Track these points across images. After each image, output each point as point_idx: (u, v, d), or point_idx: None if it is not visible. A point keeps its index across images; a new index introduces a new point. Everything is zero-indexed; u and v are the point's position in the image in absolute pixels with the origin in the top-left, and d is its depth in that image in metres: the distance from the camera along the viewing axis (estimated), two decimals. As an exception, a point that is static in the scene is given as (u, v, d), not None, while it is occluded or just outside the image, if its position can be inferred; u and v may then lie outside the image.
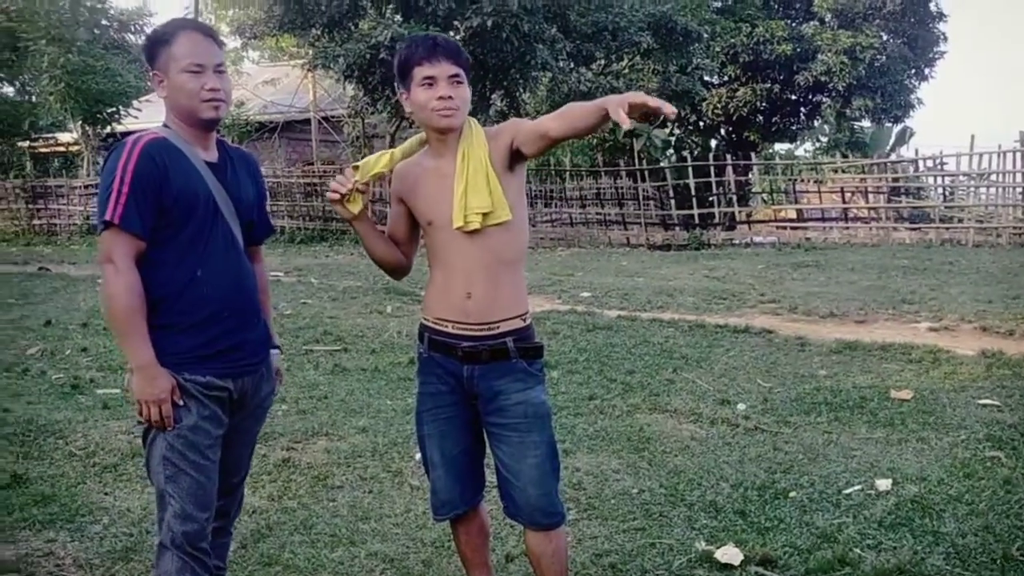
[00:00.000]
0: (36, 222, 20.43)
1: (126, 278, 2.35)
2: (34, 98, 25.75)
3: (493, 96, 17.38)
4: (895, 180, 18.04)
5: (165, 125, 2.52)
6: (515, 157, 2.57)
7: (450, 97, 2.52)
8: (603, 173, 20.21)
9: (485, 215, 2.51)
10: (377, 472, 4.35)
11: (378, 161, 2.65)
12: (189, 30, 2.51)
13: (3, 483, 4.10)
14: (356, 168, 2.65)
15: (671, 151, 24.61)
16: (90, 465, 4.41)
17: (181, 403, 2.41)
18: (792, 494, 3.96)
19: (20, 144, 24.62)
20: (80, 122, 21.15)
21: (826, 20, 23.40)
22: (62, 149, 25.27)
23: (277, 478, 4.27)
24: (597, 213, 18.80)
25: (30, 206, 20.60)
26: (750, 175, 19.58)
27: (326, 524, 3.74)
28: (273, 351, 2.72)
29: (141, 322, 2.37)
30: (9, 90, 26.59)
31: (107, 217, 2.33)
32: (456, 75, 2.53)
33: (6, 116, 23.62)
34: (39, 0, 23.01)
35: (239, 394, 2.53)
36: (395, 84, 2.79)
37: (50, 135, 25.16)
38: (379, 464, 4.45)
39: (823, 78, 21.97)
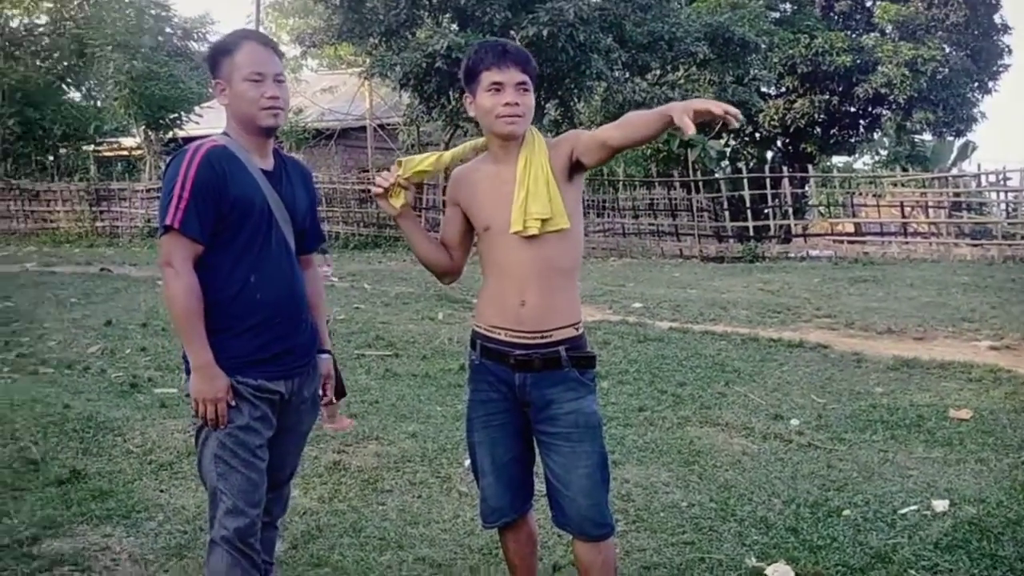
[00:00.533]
0: (99, 224, 20.88)
1: (185, 280, 2.43)
2: (99, 103, 26.49)
3: (547, 105, 17.39)
4: (956, 195, 17.65)
5: (225, 133, 2.60)
6: (575, 167, 2.58)
7: (516, 104, 2.54)
8: (656, 183, 20.10)
9: (544, 221, 2.52)
10: (426, 477, 4.37)
11: (424, 160, 2.68)
12: (251, 41, 2.60)
13: (63, 478, 4.21)
14: (400, 164, 2.68)
15: (726, 162, 24.41)
16: (147, 462, 4.50)
17: (234, 404, 2.48)
18: (846, 512, 3.89)
19: (85, 148, 25.24)
20: (143, 127, 21.64)
21: (887, 32, 23.05)
22: (125, 153, 25.87)
23: (328, 480, 4.31)
24: (650, 224, 18.68)
25: (93, 208, 21.07)
26: (807, 188, 19.32)
27: (375, 528, 3.77)
28: (323, 356, 2.78)
29: (199, 323, 2.45)
30: (76, 95, 27.36)
31: (167, 221, 2.42)
32: (523, 83, 2.55)
33: (73, 120, 24.25)
34: (106, 8, 23.67)
35: (288, 395, 2.60)
36: (459, 87, 2.84)
37: (114, 139, 25.78)
38: (428, 469, 4.47)
39: (883, 90, 21.63)
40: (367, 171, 21.47)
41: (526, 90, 2.56)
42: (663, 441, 4.95)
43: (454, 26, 16.50)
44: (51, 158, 24.84)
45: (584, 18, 14.96)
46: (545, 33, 14.84)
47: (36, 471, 4.31)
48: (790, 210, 17.98)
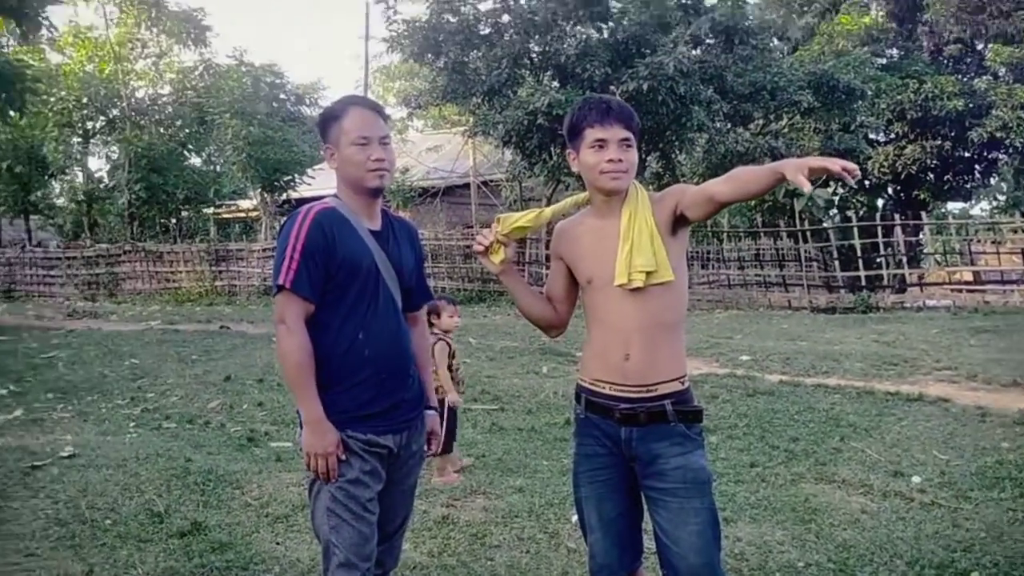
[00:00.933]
0: (218, 283, 21.74)
1: (297, 338, 2.54)
2: (218, 168, 27.80)
3: (649, 158, 17.42)
4: (1083, 240, 16.83)
5: (336, 195, 2.71)
6: (679, 221, 2.58)
7: (620, 160, 2.56)
8: (762, 234, 19.81)
9: (648, 274, 2.52)
10: (534, 532, 4.36)
11: (523, 216, 2.72)
12: (357, 106, 2.70)
13: (185, 530, 4.34)
14: (500, 221, 2.72)
15: (834, 211, 23.89)
16: (263, 515, 4.62)
17: (344, 458, 2.56)
18: (974, 575, 3.70)
19: (205, 211, 26.48)
20: (259, 189, 22.57)
21: (1000, 75, 22.35)
22: (242, 215, 27.02)
23: (437, 534, 4.34)
24: (756, 275, 18.40)
25: (213, 268, 21.97)
26: (921, 235, 18.75)
27: (485, 583, 3.77)
28: (429, 412, 2.85)
29: (311, 379, 2.54)
30: (197, 160, 28.78)
31: (280, 281, 2.53)
32: (627, 139, 2.57)
33: (194, 184, 25.51)
34: (224, 77, 24.97)
35: (396, 449, 2.66)
36: (560, 143, 2.88)
37: (232, 202, 26.99)
38: (536, 524, 4.46)
39: (999, 134, 20.92)
40: (471, 227, 21.84)
41: (629, 146, 2.58)
42: (776, 498, 4.81)
43: (555, 83, 16.75)
44: (174, 221, 26.15)
45: (684, 71, 15.00)
46: (645, 87, 14.92)
47: (160, 523, 4.47)
48: (904, 259, 17.43)
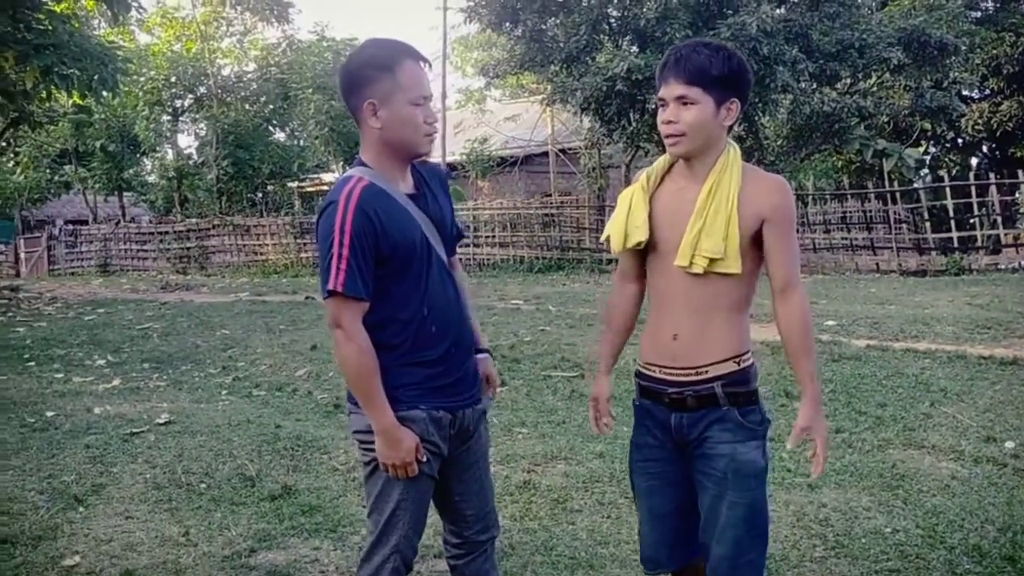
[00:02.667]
0: (303, 255, 22.19)
1: (357, 341, 2.32)
2: (302, 142, 28.30)
3: (731, 121, 16.98)
4: None
5: (361, 163, 2.42)
6: (756, 235, 2.34)
7: (672, 122, 2.30)
8: (849, 196, 19.28)
9: (712, 261, 2.29)
10: (615, 498, 4.38)
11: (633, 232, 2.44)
12: (412, 58, 2.37)
13: (276, 493, 4.50)
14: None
15: (925, 171, 23.10)
16: (350, 479, 4.74)
17: (424, 459, 2.38)
18: (1071, 542, 3.59)
19: (290, 184, 27.04)
20: (342, 163, 22.92)
21: (1106, 23, 21.22)
22: (325, 188, 27.43)
23: (519, 499, 4.39)
24: (843, 238, 17.93)
25: (298, 240, 22.41)
26: (1017, 194, 17.97)
27: (566, 547, 3.81)
28: (482, 355, 2.65)
29: (377, 383, 2.33)
30: (281, 135, 29.36)
31: (330, 286, 2.28)
32: (683, 96, 2.27)
33: (278, 159, 26.05)
34: (306, 53, 25.32)
35: (467, 424, 2.52)
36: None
37: (315, 175, 27.49)
38: (617, 490, 4.48)
39: (1105, 87, 19.90)
40: (549, 195, 21.79)
41: (688, 103, 2.27)
42: (863, 464, 4.73)
43: (634, 48, 16.50)
44: (259, 195, 26.78)
45: (767, 31, 14.61)
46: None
47: (252, 487, 4.63)
48: (999, 219, 16.78)
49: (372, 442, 2.37)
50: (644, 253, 2.48)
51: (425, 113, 2.36)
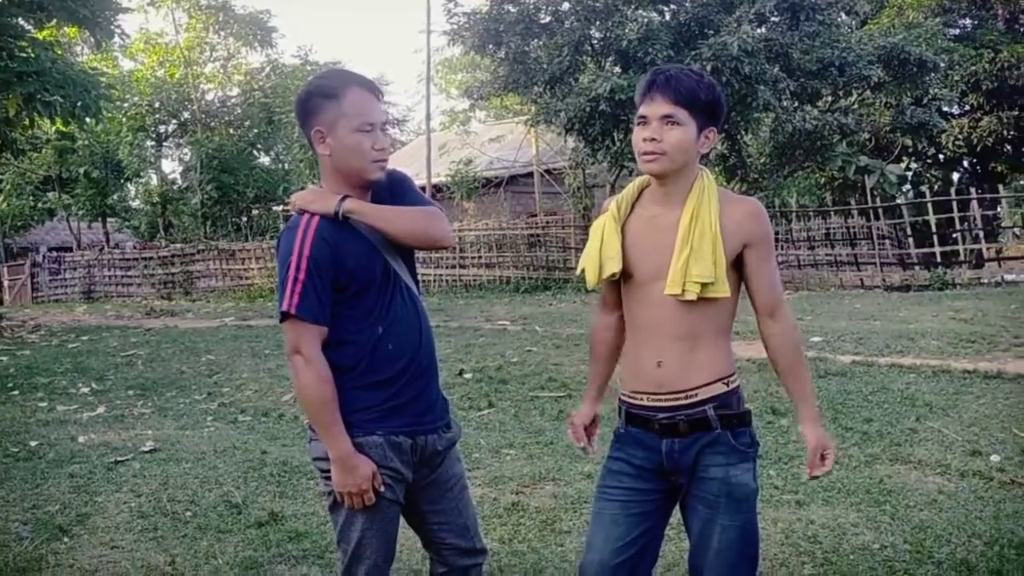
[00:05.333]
0: (288, 279, 22.08)
1: (316, 368, 2.31)
2: (286, 166, 28.34)
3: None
4: None
5: (320, 189, 2.45)
6: (737, 258, 2.33)
7: (655, 139, 2.27)
8: (832, 213, 19.42)
9: (704, 286, 2.26)
10: (604, 518, 4.36)
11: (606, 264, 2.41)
12: (358, 86, 2.38)
13: (262, 520, 4.46)
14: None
15: (907, 186, 23.28)
16: (337, 504, 4.70)
17: (382, 488, 2.37)
18: (1058, 555, 3.61)
19: (275, 208, 27.00)
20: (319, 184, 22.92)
21: (1082, 39, 21.51)
22: (310, 211, 27.43)
23: (507, 521, 4.38)
24: (827, 254, 18.07)
25: (283, 264, 22.33)
26: (999, 208, 18.18)
27: (555, 568, 3.80)
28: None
29: (335, 412, 2.32)
30: (265, 159, 29.38)
31: (283, 307, 2.30)
32: (669, 115, 2.26)
33: (263, 183, 26.08)
34: (290, 77, 25.39)
35: (429, 450, 2.48)
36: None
37: (300, 199, 27.42)
38: (606, 510, 4.46)
39: (1081, 101, 20.14)
40: (535, 215, 21.83)
41: (673, 123, 2.25)
42: (850, 480, 4.74)
43: (616, 69, 16.62)
44: (244, 219, 26.73)
45: (749, 50, 14.74)
46: (709, 68, 14.71)
47: (238, 514, 4.59)
48: (981, 233, 16.94)
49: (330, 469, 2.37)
50: (619, 283, 2.46)
51: (373, 139, 2.36)
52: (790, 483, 4.68)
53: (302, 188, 24.98)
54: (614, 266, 2.37)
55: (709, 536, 2.33)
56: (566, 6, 17.19)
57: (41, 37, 14.94)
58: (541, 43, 17.47)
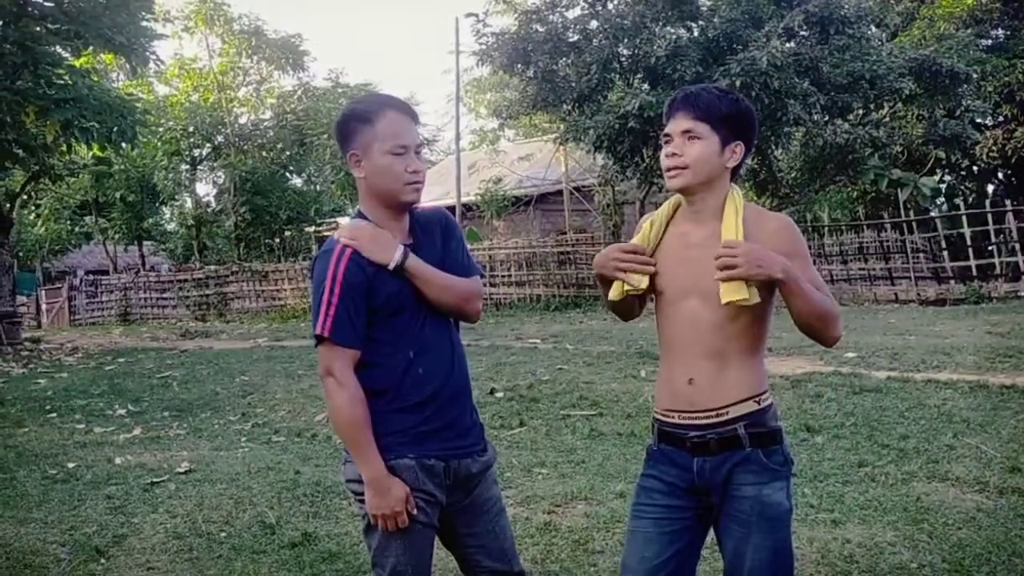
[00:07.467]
0: (321, 300, 22.25)
1: (349, 390, 2.34)
2: (318, 187, 28.61)
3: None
4: None
5: (359, 212, 2.50)
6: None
7: (675, 155, 2.30)
8: (865, 227, 19.25)
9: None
10: (637, 538, 4.33)
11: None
12: (393, 109, 2.42)
13: (296, 540, 4.48)
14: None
15: (941, 199, 23.03)
16: (369, 524, 4.72)
17: (415, 511, 2.37)
18: (1101, 575, 3.54)
19: (307, 229, 27.27)
20: (358, 207, 23.09)
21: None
22: (342, 232, 27.66)
23: (539, 541, 4.36)
24: (860, 269, 17.90)
25: (316, 285, 22.51)
26: (1036, 220, 17.92)
27: (587, 589, 3.78)
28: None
29: (367, 434, 2.35)
30: (297, 181, 29.68)
31: (317, 331, 2.34)
32: (689, 130, 2.29)
33: (295, 204, 26.36)
34: (321, 99, 25.69)
35: (458, 476, 2.48)
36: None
37: (332, 220, 27.74)
38: (638, 530, 4.43)
39: (1118, 110, 19.84)
40: (564, 233, 21.86)
41: (694, 138, 2.28)
42: (887, 498, 4.68)
43: (645, 86, 16.62)
44: (277, 240, 26.99)
45: (778, 65, 14.69)
46: (738, 84, 14.68)
47: (272, 534, 4.62)
48: (1017, 246, 16.70)
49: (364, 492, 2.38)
50: (641, 297, 2.47)
51: (407, 162, 2.39)
52: (826, 502, 4.63)
53: (334, 209, 25.18)
54: (640, 281, 2.38)
55: (742, 556, 2.31)
56: (594, 24, 17.23)
57: (78, 65, 15.26)
58: (569, 61, 17.53)
